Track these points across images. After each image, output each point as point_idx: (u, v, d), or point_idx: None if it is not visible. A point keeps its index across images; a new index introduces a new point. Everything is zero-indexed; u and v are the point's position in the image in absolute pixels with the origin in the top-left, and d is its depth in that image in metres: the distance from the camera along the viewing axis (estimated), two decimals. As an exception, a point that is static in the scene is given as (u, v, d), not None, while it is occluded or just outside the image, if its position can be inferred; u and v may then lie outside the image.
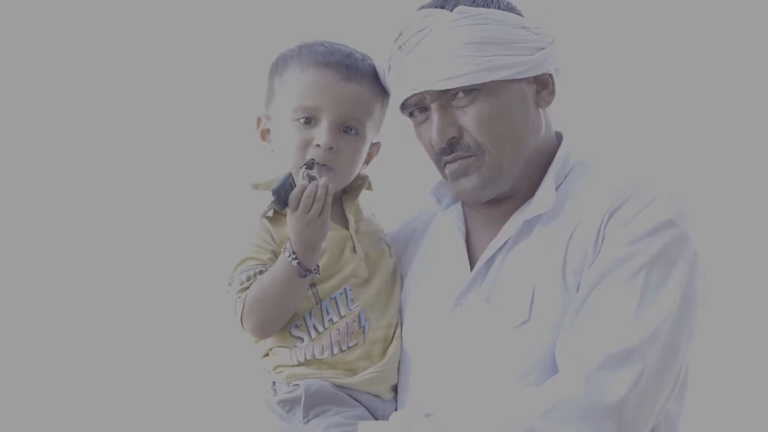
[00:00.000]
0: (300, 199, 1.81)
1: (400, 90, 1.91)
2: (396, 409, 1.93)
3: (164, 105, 3.32)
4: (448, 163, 1.90)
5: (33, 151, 3.31)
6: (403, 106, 1.94)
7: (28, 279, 3.32)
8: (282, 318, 1.88)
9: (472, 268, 1.93)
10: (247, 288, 1.87)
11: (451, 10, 1.86)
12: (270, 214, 1.89)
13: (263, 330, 1.90)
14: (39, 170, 3.32)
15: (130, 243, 3.32)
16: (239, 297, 1.88)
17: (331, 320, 1.90)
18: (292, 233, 1.83)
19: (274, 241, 1.90)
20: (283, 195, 1.83)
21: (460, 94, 1.87)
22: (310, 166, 1.86)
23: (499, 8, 1.89)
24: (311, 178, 1.83)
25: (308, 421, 1.87)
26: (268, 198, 1.86)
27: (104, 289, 3.31)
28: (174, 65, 3.31)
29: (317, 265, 1.86)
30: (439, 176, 1.98)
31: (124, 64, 3.31)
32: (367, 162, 2.02)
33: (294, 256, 1.83)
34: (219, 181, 3.23)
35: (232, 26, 3.29)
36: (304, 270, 1.84)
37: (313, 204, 1.81)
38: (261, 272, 1.88)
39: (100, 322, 3.31)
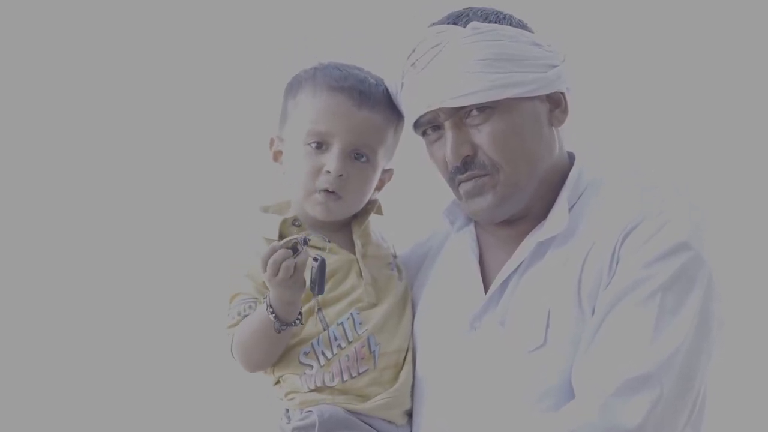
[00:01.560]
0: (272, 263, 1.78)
1: (413, 108, 1.89)
2: (410, 435, 1.92)
3: (171, 112, 3.32)
4: (462, 182, 1.88)
5: (34, 153, 3.30)
6: (417, 125, 1.92)
7: (29, 279, 3.30)
8: (268, 359, 1.88)
9: (486, 290, 1.91)
10: (236, 325, 1.88)
11: (464, 27, 1.85)
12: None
13: (250, 368, 1.91)
14: (39, 172, 3.31)
15: (145, 255, 3.31)
16: (228, 333, 1.89)
17: (339, 346, 1.88)
18: (269, 290, 1.81)
19: None
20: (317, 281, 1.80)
21: (474, 112, 1.85)
22: (305, 243, 1.80)
23: (511, 25, 1.88)
24: (314, 259, 1.80)
25: (324, 447, 1.86)
26: (276, 221, 1.87)
27: (114, 302, 3.31)
28: (179, 70, 3.30)
29: (299, 316, 1.84)
30: (451, 197, 1.96)
31: (131, 69, 3.31)
32: (378, 188, 2.00)
33: (271, 309, 1.81)
34: (223, 186, 3.23)
35: (239, 34, 3.27)
36: (281, 324, 1.81)
37: (280, 269, 1.76)
38: (251, 307, 1.87)
39: (111, 338, 3.30)
